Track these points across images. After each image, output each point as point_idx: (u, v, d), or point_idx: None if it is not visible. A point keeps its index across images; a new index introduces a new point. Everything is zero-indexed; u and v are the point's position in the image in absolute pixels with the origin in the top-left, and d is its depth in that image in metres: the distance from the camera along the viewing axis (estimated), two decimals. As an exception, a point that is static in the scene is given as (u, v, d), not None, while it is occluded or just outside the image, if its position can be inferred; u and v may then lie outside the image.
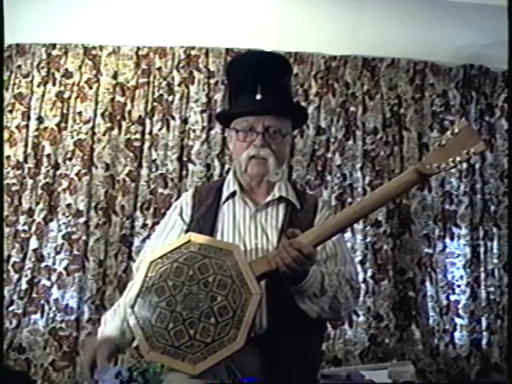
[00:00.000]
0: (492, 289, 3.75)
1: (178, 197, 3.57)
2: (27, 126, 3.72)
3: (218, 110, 3.72)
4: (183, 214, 1.99)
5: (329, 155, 3.80)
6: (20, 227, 3.61)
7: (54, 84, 3.77)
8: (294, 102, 2.20)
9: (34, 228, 3.59)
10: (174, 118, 3.76)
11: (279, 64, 2.02)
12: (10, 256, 3.55)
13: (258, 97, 1.88)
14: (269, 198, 1.96)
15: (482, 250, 3.80)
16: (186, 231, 1.91)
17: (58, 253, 3.59)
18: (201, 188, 2.16)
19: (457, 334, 3.73)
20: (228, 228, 1.91)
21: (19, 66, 3.79)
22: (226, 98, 2.21)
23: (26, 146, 3.70)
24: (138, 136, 3.74)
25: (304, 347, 1.80)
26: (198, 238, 1.70)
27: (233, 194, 1.98)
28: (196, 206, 1.99)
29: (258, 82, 1.88)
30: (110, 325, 1.88)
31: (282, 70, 2.01)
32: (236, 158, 1.99)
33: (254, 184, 1.98)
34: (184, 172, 3.73)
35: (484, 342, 3.72)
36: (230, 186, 2.00)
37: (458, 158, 1.56)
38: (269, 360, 1.72)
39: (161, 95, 3.78)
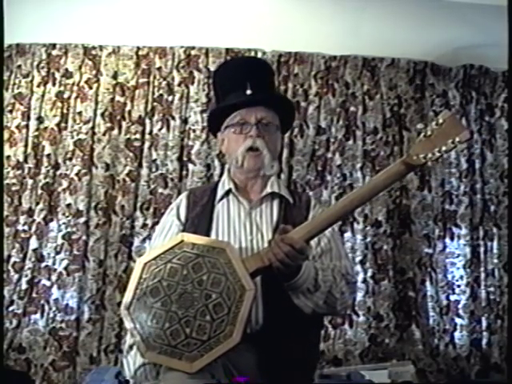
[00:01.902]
0: (492, 289, 3.74)
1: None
2: (27, 126, 3.72)
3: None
4: (179, 215, 2.02)
5: (329, 155, 3.79)
6: (20, 227, 3.60)
7: (53, 84, 3.77)
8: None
9: (34, 228, 3.59)
10: (174, 118, 3.75)
11: (264, 67, 2.20)
12: (10, 256, 3.55)
13: (249, 92, 1.98)
14: (263, 194, 2.00)
15: (482, 249, 3.79)
16: (182, 231, 1.93)
17: (58, 253, 3.59)
18: (195, 189, 2.22)
19: (457, 334, 3.72)
20: (223, 226, 1.94)
21: (19, 66, 3.79)
22: (215, 100, 2.28)
23: (26, 146, 3.70)
24: (138, 136, 3.74)
25: (300, 343, 1.81)
26: (191, 238, 1.72)
27: (227, 193, 2.02)
28: (190, 207, 2.02)
29: (247, 80, 1.98)
30: None
31: (267, 71, 2.16)
32: (232, 154, 2.03)
33: (249, 181, 2.02)
34: (184, 172, 3.73)
35: (484, 341, 3.71)
36: (224, 185, 2.05)
37: (444, 148, 1.59)
38: (265, 358, 1.73)
39: (161, 95, 3.78)
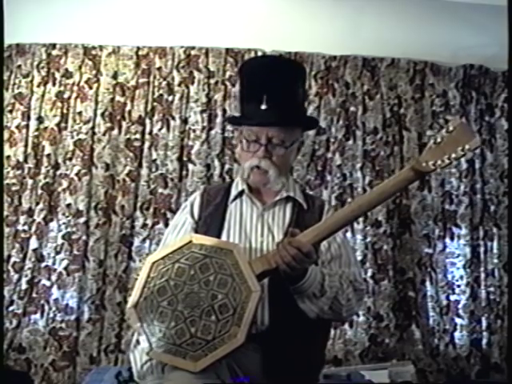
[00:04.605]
0: (492, 289, 3.75)
1: (178, 197, 3.62)
2: (27, 126, 3.72)
3: (218, 109, 3.76)
4: (192, 213, 2.02)
5: (329, 155, 3.79)
6: (20, 227, 3.60)
7: (54, 84, 3.76)
8: (303, 108, 2.25)
9: (34, 228, 3.58)
10: (174, 118, 3.75)
11: (290, 70, 2.03)
12: (10, 256, 3.55)
13: (263, 107, 1.90)
14: (277, 198, 1.99)
15: (482, 249, 3.80)
16: (195, 229, 1.95)
17: (58, 253, 3.59)
18: (210, 188, 2.19)
19: (457, 334, 3.73)
20: (234, 226, 1.94)
21: (19, 66, 3.78)
22: (238, 99, 2.22)
23: (26, 146, 3.70)
24: (138, 136, 3.73)
25: (306, 346, 1.80)
26: (199, 239, 1.73)
27: (241, 194, 2.02)
28: (204, 205, 2.03)
29: (265, 91, 1.90)
30: None
31: (292, 76, 2.00)
32: (241, 164, 2.03)
33: (261, 187, 2.01)
34: (184, 172, 3.72)
35: (484, 341, 3.72)
36: (238, 185, 2.04)
37: (454, 155, 1.59)
38: (270, 358, 1.73)
39: (161, 95, 3.78)
